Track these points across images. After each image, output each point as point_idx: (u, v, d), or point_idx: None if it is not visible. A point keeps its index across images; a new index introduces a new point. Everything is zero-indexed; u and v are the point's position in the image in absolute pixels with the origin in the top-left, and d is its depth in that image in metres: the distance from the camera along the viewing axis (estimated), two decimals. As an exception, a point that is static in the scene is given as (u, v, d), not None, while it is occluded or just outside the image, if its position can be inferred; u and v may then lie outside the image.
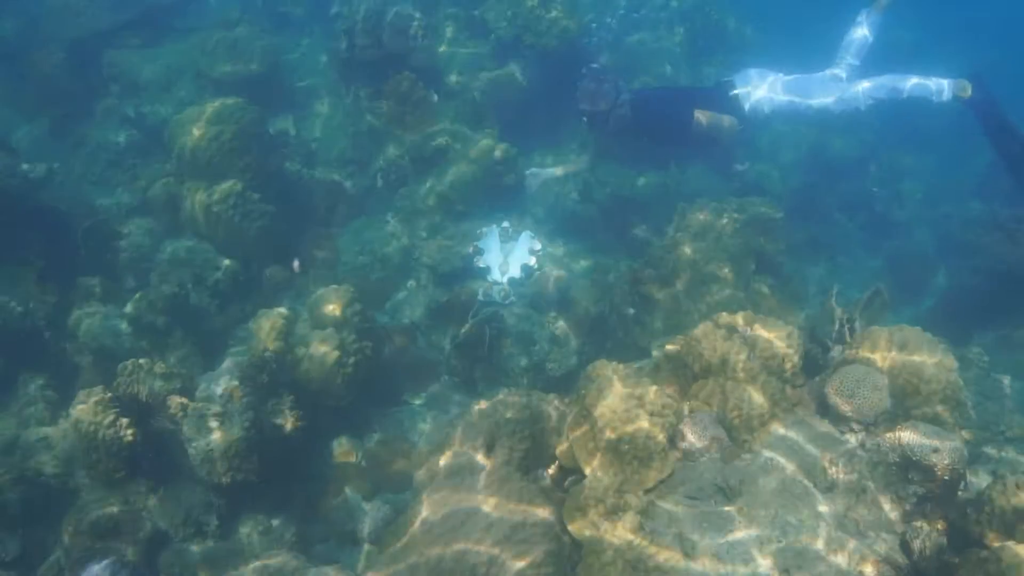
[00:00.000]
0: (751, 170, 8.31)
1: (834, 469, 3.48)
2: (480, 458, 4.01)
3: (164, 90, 7.66)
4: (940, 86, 5.75)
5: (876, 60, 6.17)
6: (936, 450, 3.32)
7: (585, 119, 5.96)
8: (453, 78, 7.43)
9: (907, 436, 3.41)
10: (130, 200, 6.92)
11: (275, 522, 4.71)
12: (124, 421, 4.22)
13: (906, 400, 3.70)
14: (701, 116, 5.80)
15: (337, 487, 5.21)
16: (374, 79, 7.37)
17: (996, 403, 4.78)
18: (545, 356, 5.83)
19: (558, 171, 6.80)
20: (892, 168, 9.30)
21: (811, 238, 7.96)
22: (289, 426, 4.91)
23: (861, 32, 6.15)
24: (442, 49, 7.60)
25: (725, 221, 5.92)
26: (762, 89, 5.91)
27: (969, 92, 5.71)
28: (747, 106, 5.92)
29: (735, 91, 5.91)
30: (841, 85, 5.96)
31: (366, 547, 4.74)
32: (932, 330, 3.97)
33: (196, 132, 6.27)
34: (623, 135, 6.14)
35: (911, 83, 5.79)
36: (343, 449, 5.42)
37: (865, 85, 5.90)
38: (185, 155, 6.34)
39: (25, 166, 6.03)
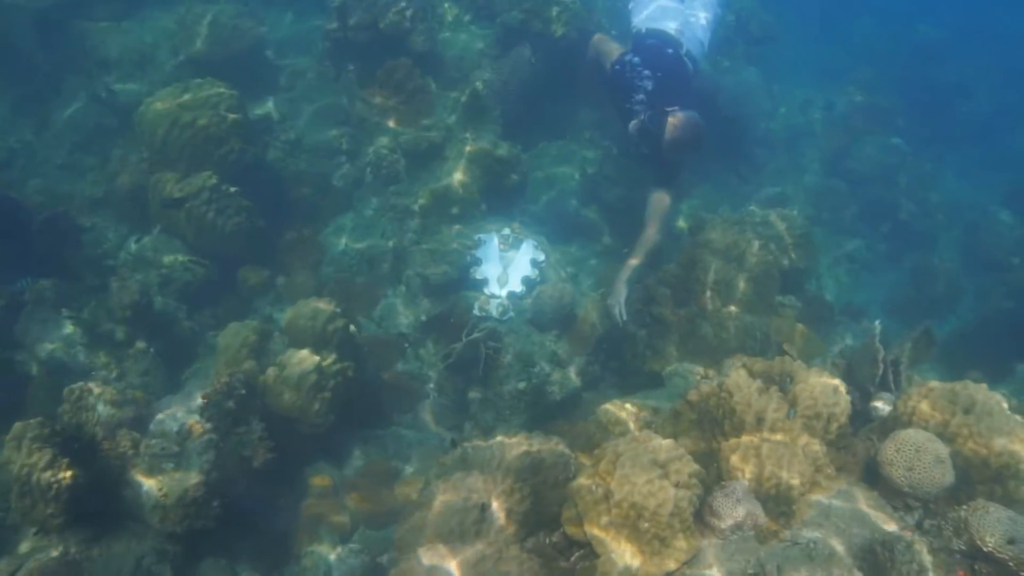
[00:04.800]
0: (772, 178, 7.78)
1: (887, 554, 2.97)
2: (474, 518, 3.47)
3: (138, 68, 7.03)
4: None
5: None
6: (1013, 541, 2.82)
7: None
8: (453, 66, 6.79)
9: (976, 520, 2.91)
10: (95, 190, 6.32)
11: (240, 570, 4.17)
12: (64, 461, 3.65)
13: (971, 474, 3.18)
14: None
15: (312, 524, 4.70)
16: (367, 63, 6.73)
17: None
18: (545, 378, 5.30)
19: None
20: (919, 174, 8.74)
21: (835, 250, 7.45)
22: (258, 459, 4.38)
23: None
24: (443, 34, 6.96)
25: (748, 236, 5.39)
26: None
27: None
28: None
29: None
30: None
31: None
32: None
33: (169, 117, 5.69)
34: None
35: None
36: (319, 479, 4.91)
37: None
38: (156, 142, 5.77)
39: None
